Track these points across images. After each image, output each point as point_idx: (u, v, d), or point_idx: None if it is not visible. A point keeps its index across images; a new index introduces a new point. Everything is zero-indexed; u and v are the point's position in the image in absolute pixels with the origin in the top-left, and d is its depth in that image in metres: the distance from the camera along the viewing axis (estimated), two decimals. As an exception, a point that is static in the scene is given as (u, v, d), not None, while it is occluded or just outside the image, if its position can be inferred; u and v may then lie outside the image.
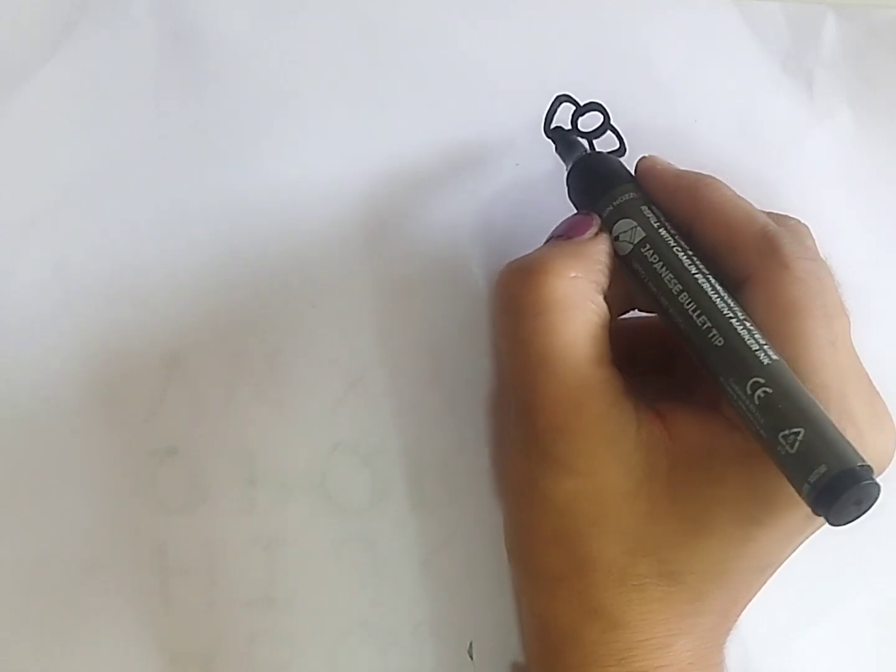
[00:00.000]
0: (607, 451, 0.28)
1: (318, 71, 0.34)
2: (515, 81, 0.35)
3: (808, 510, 0.25)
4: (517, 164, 0.35)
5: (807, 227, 0.31)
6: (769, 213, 0.31)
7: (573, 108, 0.33)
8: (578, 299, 0.29)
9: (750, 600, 0.31)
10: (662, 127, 0.34)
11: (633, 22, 0.36)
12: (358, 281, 0.34)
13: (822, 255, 0.31)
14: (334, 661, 0.34)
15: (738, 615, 0.31)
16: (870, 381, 0.30)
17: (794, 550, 0.30)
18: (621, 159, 0.33)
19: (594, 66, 0.36)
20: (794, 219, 0.31)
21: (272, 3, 0.34)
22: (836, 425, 0.26)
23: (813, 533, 0.30)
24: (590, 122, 0.33)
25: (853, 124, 0.38)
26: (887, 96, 0.38)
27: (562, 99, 0.33)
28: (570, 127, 0.33)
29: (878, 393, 0.30)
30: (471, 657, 0.35)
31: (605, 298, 0.30)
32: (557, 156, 0.34)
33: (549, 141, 0.33)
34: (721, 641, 0.31)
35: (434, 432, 0.34)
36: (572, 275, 0.29)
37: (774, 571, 0.31)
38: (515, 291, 0.29)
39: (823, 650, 0.37)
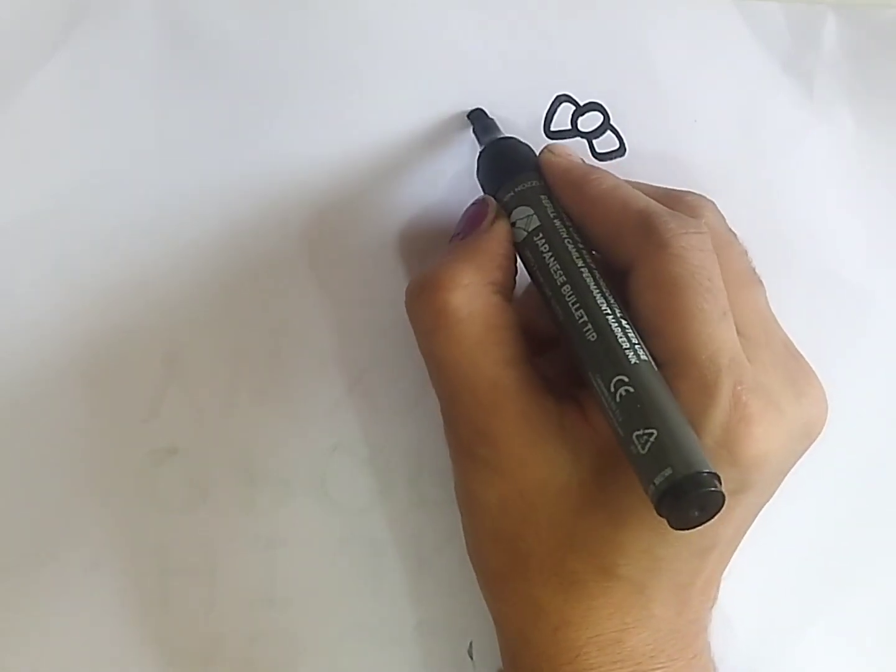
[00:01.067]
0: (531, 451, 0.28)
1: (316, 70, 0.34)
2: (515, 81, 0.35)
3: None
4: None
5: (707, 200, 0.31)
6: (668, 192, 0.31)
7: (573, 108, 0.33)
8: (474, 306, 0.29)
9: (709, 587, 0.30)
10: (662, 127, 0.34)
11: (632, 22, 0.36)
12: (358, 280, 0.34)
13: (720, 226, 0.30)
14: (334, 661, 0.34)
15: (702, 603, 0.30)
16: (789, 347, 0.30)
17: (738, 531, 0.30)
18: (621, 159, 0.33)
19: (594, 66, 0.36)
20: (691, 194, 0.31)
21: (271, 2, 0.34)
22: (731, 399, 0.27)
23: (754, 512, 0.30)
24: (590, 122, 0.33)
25: (853, 124, 0.37)
26: (887, 96, 0.38)
27: (562, 99, 0.33)
28: (569, 126, 0.33)
29: (801, 360, 0.30)
30: (471, 657, 0.35)
31: (509, 293, 0.30)
32: (473, 136, 0.34)
33: (549, 140, 0.33)
34: (686, 633, 0.30)
35: (434, 432, 0.34)
36: (465, 283, 0.29)
37: (725, 554, 0.30)
38: (417, 308, 0.30)
39: (824, 650, 0.37)
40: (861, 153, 0.37)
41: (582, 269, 0.29)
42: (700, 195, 0.31)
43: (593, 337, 0.28)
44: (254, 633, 0.33)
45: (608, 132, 0.33)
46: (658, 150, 0.36)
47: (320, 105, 0.34)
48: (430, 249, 0.34)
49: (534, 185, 0.31)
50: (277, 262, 0.34)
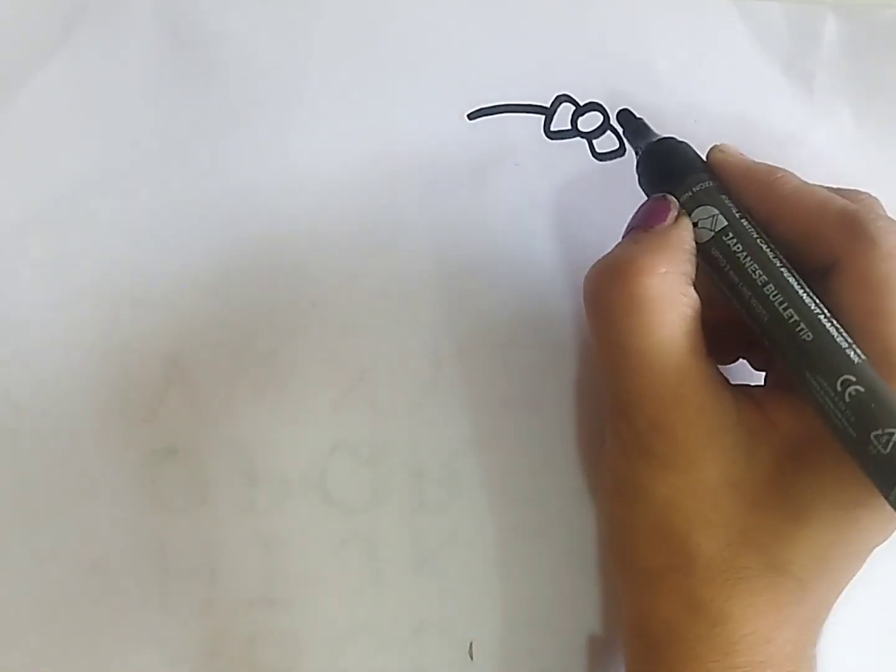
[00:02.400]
0: (709, 445, 0.28)
1: (318, 69, 0.34)
2: (515, 81, 0.35)
3: None
4: (517, 164, 0.35)
5: (878, 199, 0.31)
6: (839, 190, 0.31)
7: (573, 108, 0.33)
8: (671, 294, 0.29)
9: (844, 588, 0.31)
10: (662, 127, 0.34)
11: (632, 22, 0.36)
12: (358, 281, 0.34)
13: None
14: (334, 661, 0.34)
15: (832, 605, 0.31)
16: None
17: (894, 531, 0.30)
18: (621, 159, 0.33)
19: (594, 66, 0.36)
20: (864, 193, 0.31)
21: (272, 2, 0.34)
22: None
23: None
24: (590, 122, 0.33)
25: (853, 124, 0.38)
26: (887, 96, 0.38)
27: (562, 99, 0.33)
28: (570, 126, 0.33)
29: None
30: (471, 657, 0.35)
31: (695, 288, 0.30)
32: (626, 139, 0.33)
33: (550, 141, 0.33)
34: (816, 634, 0.30)
35: (434, 432, 0.34)
36: (662, 270, 0.29)
37: (869, 555, 0.30)
38: (606, 293, 0.29)
39: (824, 651, 0.37)
40: (861, 153, 0.37)
41: (781, 269, 0.29)
42: (869, 194, 0.31)
43: (808, 337, 0.28)
44: (254, 633, 0.33)
45: (608, 132, 0.34)
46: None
47: (320, 106, 0.34)
48: (432, 250, 0.34)
49: (710, 185, 0.31)
50: (277, 262, 0.34)
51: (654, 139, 0.33)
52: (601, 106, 0.33)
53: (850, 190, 0.31)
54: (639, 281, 0.29)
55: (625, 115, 0.34)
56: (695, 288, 0.30)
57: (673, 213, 0.30)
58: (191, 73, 0.33)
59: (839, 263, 0.29)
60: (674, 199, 0.31)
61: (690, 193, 0.31)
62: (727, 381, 0.30)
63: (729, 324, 0.31)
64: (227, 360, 0.33)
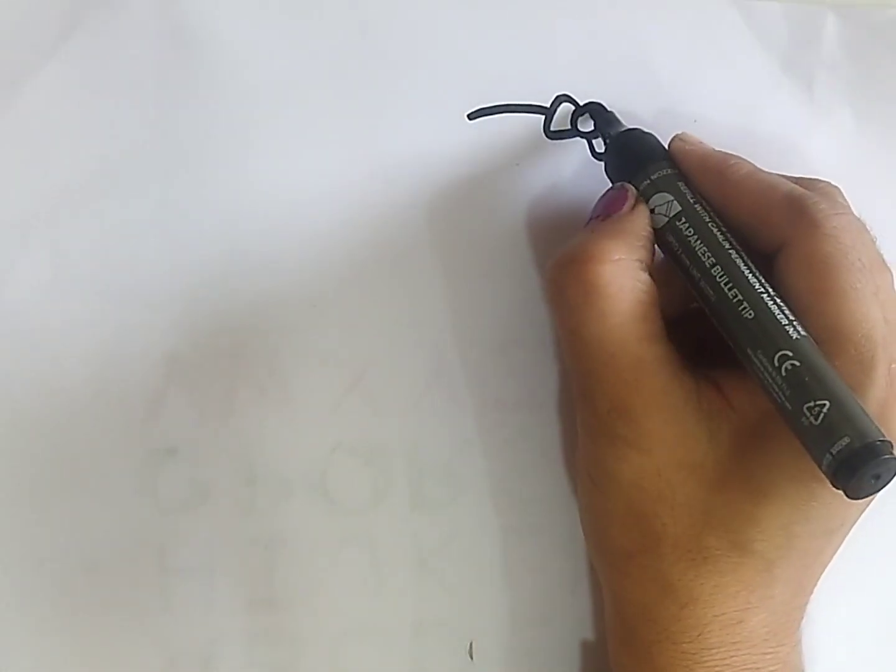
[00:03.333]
0: (670, 427, 0.29)
1: (318, 69, 0.34)
2: (515, 81, 0.35)
3: None
4: (517, 164, 0.35)
5: (837, 188, 0.32)
6: (798, 179, 0.32)
7: (573, 108, 0.33)
8: (624, 281, 0.29)
9: (821, 571, 0.31)
10: (662, 127, 0.34)
11: (632, 22, 0.36)
12: (358, 280, 0.34)
13: (853, 211, 0.31)
14: (334, 661, 0.34)
15: (811, 588, 0.31)
16: None
17: (861, 512, 0.30)
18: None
19: (594, 66, 0.36)
20: (823, 181, 0.32)
21: (272, 3, 0.34)
22: (887, 376, 0.27)
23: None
24: (590, 122, 0.33)
25: (853, 124, 0.38)
26: (887, 96, 0.38)
27: (562, 99, 0.33)
28: (570, 126, 0.33)
29: None
30: (471, 657, 0.35)
31: (650, 273, 0.30)
32: (597, 132, 0.34)
33: (550, 141, 0.34)
34: (795, 618, 0.31)
35: (434, 432, 0.34)
36: (616, 257, 0.29)
37: (843, 538, 0.31)
38: (563, 281, 0.30)
39: (822, 649, 0.37)
40: (861, 153, 0.38)
41: (730, 251, 0.30)
42: (828, 181, 0.32)
43: (751, 315, 0.28)
44: (254, 633, 0.33)
45: (608, 132, 0.34)
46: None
47: (320, 105, 0.34)
48: (432, 251, 0.34)
49: (668, 172, 0.32)
50: (277, 262, 0.34)
51: (622, 129, 0.34)
52: (601, 106, 0.33)
53: (809, 179, 0.32)
54: (592, 268, 0.29)
55: (595, 108, 0.34)
56: (656, 273, 0.30)
57: (630, 202, 0.31)
58: (191, 73, 0.33)
59: (786, 246, 0.30)
60: (632, 187, 0.32)
61: (649, 181, 0.31)
62: (686, 364, 0.30)
63: (691, 307, 0.32)
64: (227, 360, 0.33)
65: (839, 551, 0.31)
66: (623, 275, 0.29)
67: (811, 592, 0.31)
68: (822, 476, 0.27)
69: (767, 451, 0.28)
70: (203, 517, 0.33)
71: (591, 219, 0.32)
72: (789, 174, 0.32)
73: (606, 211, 0.31)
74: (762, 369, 0.28)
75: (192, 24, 0.34)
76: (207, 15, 0.34)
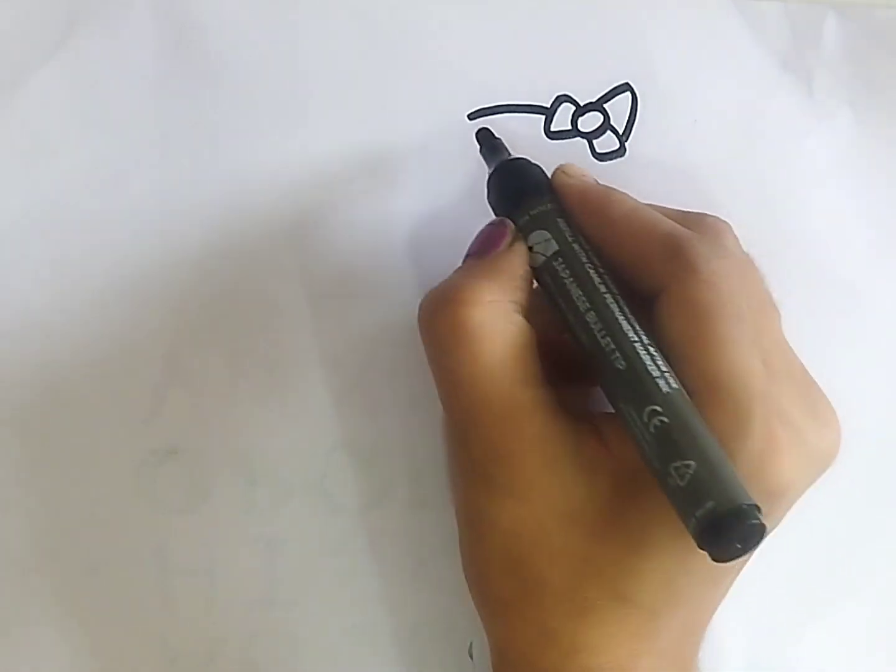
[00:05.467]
0: (547, 474, 0.28)
1: (318, 69, 0.34)
2: (515, 82, 0.35)
3: None
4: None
5: (725, 223, 0.30)
6: (686, 214, 0.30)
7: (573, 108, 0.33)
8: (497, 323, 0.28)
9: (711, 613, 0.30)
10: (662, 127, 0.34)
11: (632, 22, 0.36)
12: (358, 280, 0.34)
13: (740, 251, 0.30)
14: (334, 662, 0.34)
15: (702, 629, 0.30)
16: (806, 376, 0.29)
17: (749, 557, 0.29)
18: (622, 159, 0.33)
19: (594, 66, 0.36)
20: (710, 217, 0.30)
21: (272, 2, 0.34)
22: (764, 429, 0.26)
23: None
24: (590, 122, 0.33)
25: (853, 124, 0.38)
26: (887, 96, 0.38)
27: (562, 99, 0.33)
28: (570, 127, 0.33)
29: (817, 388, 0.29)
30: (471, 657, 0.35)
31: (527, 314, 0.29)
32: (481, 157, 0.33)
33: (550, 141, 0.34)
34: (689, 657, 0.30)
35: (434, 432, 0.34)
36: (488, 299, 0.28)
37: (732, 581, 0.30)
38: (435, 322, 0.29)
39: (819, 651, 0.37)
40: (861, 153, 0.38)
41: (605, 295, 0.28)
42: (717, 217, 0.30)
43: (622, 365, 0.27)
44: (254, 633, 0.33)
45: (608, 132, 0.34)
46: (658, 150, 0.36)
47: (320, 105, 0.34)
48: (431, 252, 0.34)
49: (549, 207, 0.30)
50: (277, 262, 0.34)
51: (507, 158, 0.32)
52: (601, 106, 0.33)
53: (697, 214, 0.31)
54: (464, 311, 0.28)
55: (484, 134, 0.33)
56: (534, 314, 0.29)
57: (507, 239, 0.30)
58: (191, 72, 0.33)
59: (664, 290, 0.28)
60: (511, 223, 0.30)
61: (528, 217, 0.30)
62: (564, 409, 0.29)
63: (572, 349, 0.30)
64: (227, 359, 0.33)
65: (839, 553, 0.31)
66: (496, 317, 0.28)
67: (704, 630, 0.30)
68: None
69: (646, 502, 0.27)
70: (203, 517, 0.33)
71: (467, 255, 0.31)
72: (780, 177, 0.31)
73: (483, 248, 0.30)
74: (633, 423, 0.26)
75: (191, 23, 0.34)
76: (207, 14, 0.34)
